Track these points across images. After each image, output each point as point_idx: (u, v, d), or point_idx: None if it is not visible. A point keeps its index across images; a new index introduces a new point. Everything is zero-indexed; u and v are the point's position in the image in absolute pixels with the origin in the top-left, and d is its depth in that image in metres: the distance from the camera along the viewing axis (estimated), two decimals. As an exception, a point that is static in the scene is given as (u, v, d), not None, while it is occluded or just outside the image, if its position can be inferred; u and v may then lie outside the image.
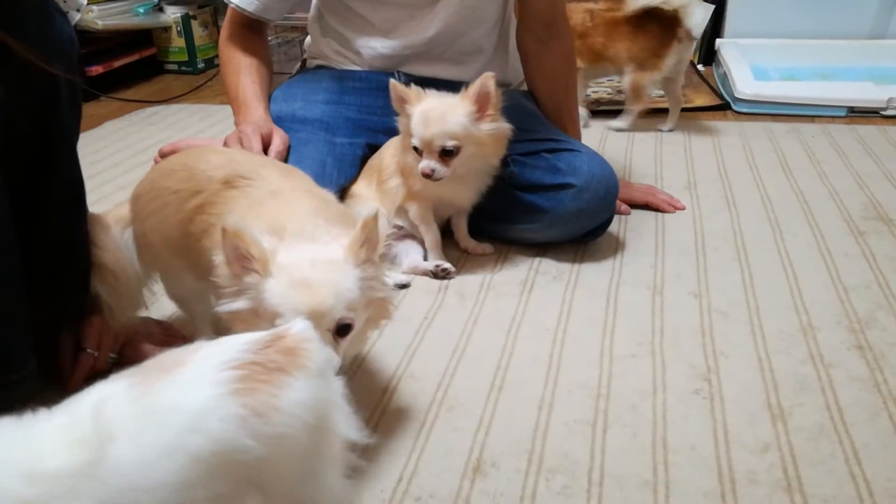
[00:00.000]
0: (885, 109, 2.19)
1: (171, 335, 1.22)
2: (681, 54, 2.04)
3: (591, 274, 1.40)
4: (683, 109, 2.36)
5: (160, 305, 1.36)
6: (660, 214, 1.64)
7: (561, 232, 1.44)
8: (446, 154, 1.28)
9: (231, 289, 0.85)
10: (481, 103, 1.27)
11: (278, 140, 1.40)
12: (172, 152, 1.87)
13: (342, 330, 0.85)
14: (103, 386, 0.62)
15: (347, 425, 0.70)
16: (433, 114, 1.27)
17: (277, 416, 0.60)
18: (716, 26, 2.86)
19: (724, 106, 2.38)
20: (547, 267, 1.43)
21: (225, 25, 1.59)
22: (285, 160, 1.39)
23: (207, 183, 1.00)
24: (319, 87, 1.57)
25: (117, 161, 2.13)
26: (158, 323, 1.25)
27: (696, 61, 2.88)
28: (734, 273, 1.38)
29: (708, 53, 2.90)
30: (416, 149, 1.29)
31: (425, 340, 1.22)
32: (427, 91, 1.31)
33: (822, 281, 1.34)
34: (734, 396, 1.05)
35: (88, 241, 1.08)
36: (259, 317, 0.84)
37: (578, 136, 1.60)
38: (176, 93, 2.83)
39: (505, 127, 1.32)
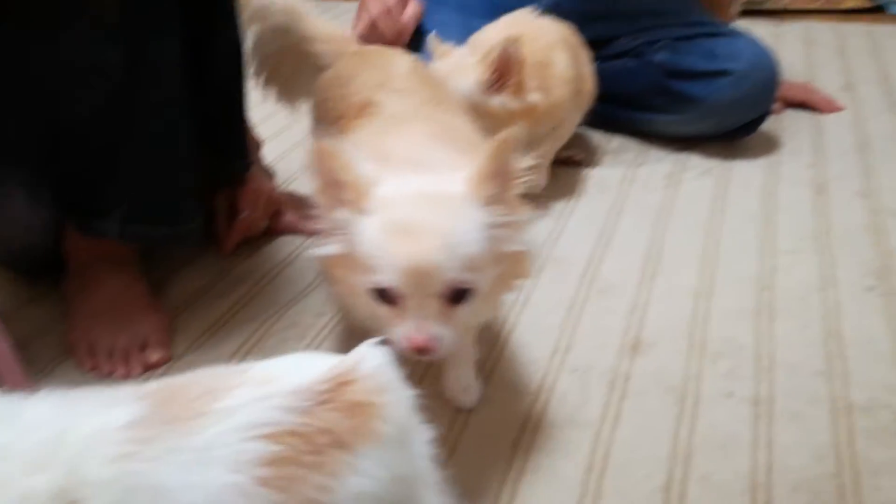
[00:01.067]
0: None
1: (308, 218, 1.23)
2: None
3: (745, 170, 1.32)
4: (832, 11, 2.17)
5: (302, 182, 1.37)
6: (816, 114, 1.52)
7: (712, 124, 1.36)
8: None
9: (326, 225, 0.67)
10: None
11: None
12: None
13: (458, 296, 0.64)
14: (91, 407, 0.42)
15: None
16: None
17: None
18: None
19: (877, 8, 2.17)
20: (695, 162, 1.36)
21: None
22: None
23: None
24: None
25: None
26: (303, 199, 1.27)
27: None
28: (904, 174, 1.28)
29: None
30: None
31: (567, 227, 1.18)
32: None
33: None
34: (913, 294, 0.99)
35: (247, 106, 1.09)
36: (355, 266, 0.65)
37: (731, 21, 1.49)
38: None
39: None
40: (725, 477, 0.75)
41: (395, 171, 0.67)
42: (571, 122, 1.28)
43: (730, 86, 1.29)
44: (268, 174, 1.18)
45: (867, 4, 2.20)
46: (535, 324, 0.97)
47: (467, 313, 0.66)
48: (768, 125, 1.43)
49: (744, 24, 1.52)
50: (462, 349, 0.82)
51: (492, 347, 0.93)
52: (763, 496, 0.72)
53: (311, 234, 1.19)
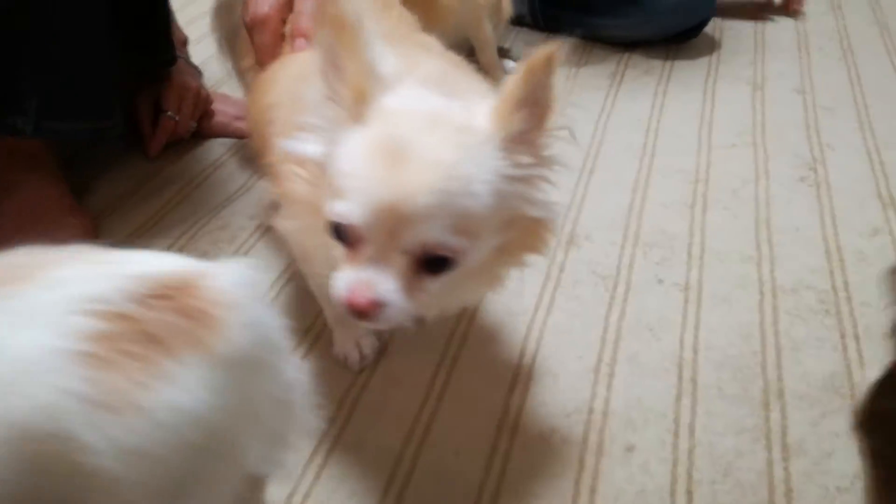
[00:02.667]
0: None
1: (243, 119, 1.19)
2: None
3: (686, 70, 1.31)
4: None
5: (233, 85, 1.31)
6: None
7: (654, 29, 1.34)
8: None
9: (312, 124, 0.52)
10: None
11: None
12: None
13: (433, 264, 0.49)
14: None
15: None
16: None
17: (137, 421, 0.34)
18: None
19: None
20: (637, 61, 1.34)
21: None
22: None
23: None
24: None
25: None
26: (235, 100, 1.22)
27: None
28: (840, 72, 1.28)
29: None
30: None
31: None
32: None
33: (938, 82, 1.24)
34: (842, 185, 1.00)
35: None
36: (320, 183, 0.52)
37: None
38: None
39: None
40: (653, 357, 0.76)
41: (416, 82, 0.51)
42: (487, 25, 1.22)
43: None
44: (195, 72, 1.12)
45: None
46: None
47: (440, 289, 0.50)
48: (710, 27, 1.41)
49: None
50: None
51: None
52: (688, 373, 0.74)
53: (244, 136, 1.16)
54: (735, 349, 0.77)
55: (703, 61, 1.34)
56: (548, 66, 0.46)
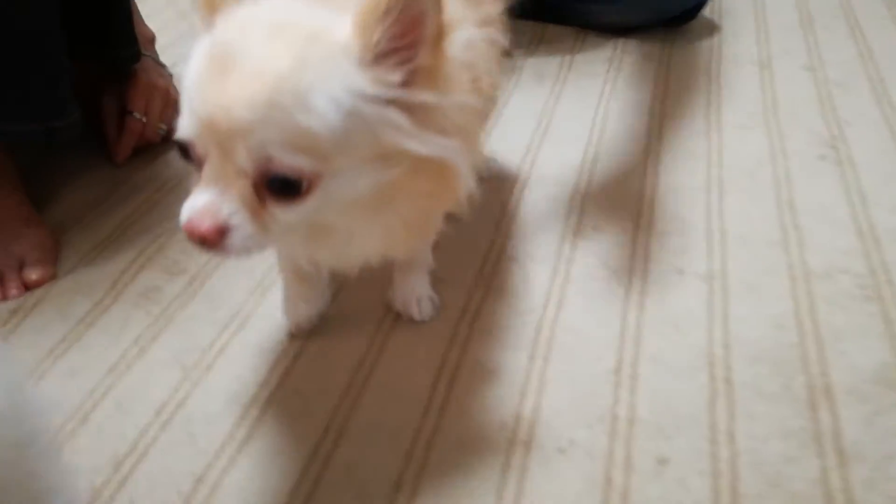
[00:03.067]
0: None
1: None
2: None
3: (686, 53, 1.24)
4: None
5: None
6: (757, -5, 1.44)
7: (651, 12, 1.26)
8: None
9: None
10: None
11: None
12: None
13: (278, 186, 0.43)
14: None
15: None
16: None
17: None
18: None
19: None
20: (634, 47, 1.27)
21: None
22: None
23: None
24: None
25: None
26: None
27: None
28: (849, 48, 1.21)
29: None
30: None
31: (503, 117, 1.09)
32: None
33: (953, 54, 1.17)
34: (866, 160, 0.93)
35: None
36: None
37: None
38: None
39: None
40: (679, 355, 0.68)
41: None
42: None
43: None
44: (164, 72, 1.04)
45: None
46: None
47: (296, 218, 0.45)
48: (708, 10, 1.34)
49: None
50: (417, 254, 0.68)
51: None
52: (721, 371, 0.66)
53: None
54: (770, 341, 0.69)
55: (704, 44, 1.27)
56: None
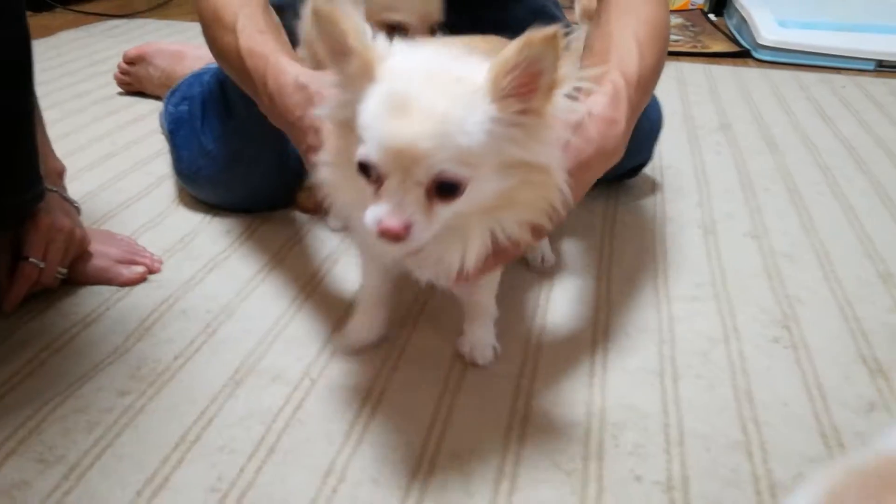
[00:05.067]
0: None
1: (135, 254, 1.00)
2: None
3: (631, 213, 1.22)
4: (701, 55, 2.19)
5: (123, 219, 1.13)
6: (697, 152, 1.46)
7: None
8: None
9: (332, 93, 0.64)
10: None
11: None
12: (139, 57, 1.63)
13: (445, 190, 0.58)
14: None
15: None
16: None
17: None
18: (728, -24, 2.68)
19: (743, 53, 2.21)
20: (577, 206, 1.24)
21: None
22: None
23: None
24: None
25: (73, 70, 1.87)
26: (120, 239, 1.03)
27: (705, 10, 2.71)
28: (791, 216, 1.21)
29: (718, 4, 2.73)
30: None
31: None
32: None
33: (890, 230, 1.18)
34: (820, 346, 0.88)
35: (35, 126, 0.85)
36: (351, 138, 0.61)
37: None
38: (139, 8, 2.54)
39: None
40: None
41: (408, 45, 0.62)
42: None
43: None
44: (70, 209, 0.94)
45: (733, 49, 2.24)
46: (402, 410, 0.79)
47: (454, 212, 0.60)
48: (650, 167, 1.34)
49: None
50: (484, 304, 0.83)
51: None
52: None
53: (126, 283, 0.96)
54: (740, 576, 0.60)
55: (647, 202, 1.25)
56: (545, 42, 0.54)
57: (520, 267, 1.03)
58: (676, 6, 2.71)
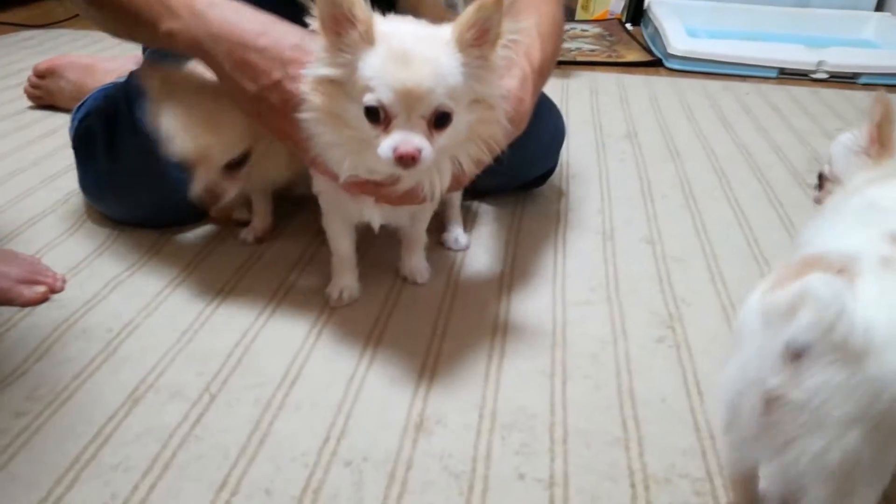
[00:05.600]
0: (814, 72, 2.16)
1: (37, 273, 1.00)
2: None
3: (535, 219, 1.26)
4: (615, 64, 2.27)
5: (28, 237, 1.13)
6: (602, 161, 1.52)
7: (502, 180, 1.28)
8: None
9: (323, 57, 0.77)
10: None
11: None
12: (49, 70, 1.61)
13: (440, 120, 0.75)
14: None
15: None
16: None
17: None
18: (645, -15, 2.78)
19: (655, 62, 2.30)
20: (484, 209, 1.29)
21: None
22: None
23: None
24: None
25: (-21, 83, 1.82)
26: (23, 259, 1.02)
27: (623, 20, 2.80)
28: (686, 221, 1.28)
29: (636, 14, 2.83)
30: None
31: (331, 321, 1.05)
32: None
33: (776, 230, 1.26)
34: (701, 346, 0.95)
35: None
36: (344, 91, 0.76)
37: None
38: (58, 17, 2.49)
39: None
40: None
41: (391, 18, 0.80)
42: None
43: (516, 144, 1.20)
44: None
45: (646, 58, 2.33)
46: (308, 406, 0.82)
47: (445, 140, 0.77)
48: (557, 173, 1.39)
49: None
50: (419, 235, 1.05)
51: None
52: None
53: (27, 303, 0.96)
54: (610, 564, 0.65)
55: (552, 209, 1.30)
56: (494, 7, 0.73)
57: (437, 247, 1.07)
58: (595, 16, 2.80)
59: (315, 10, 0.74)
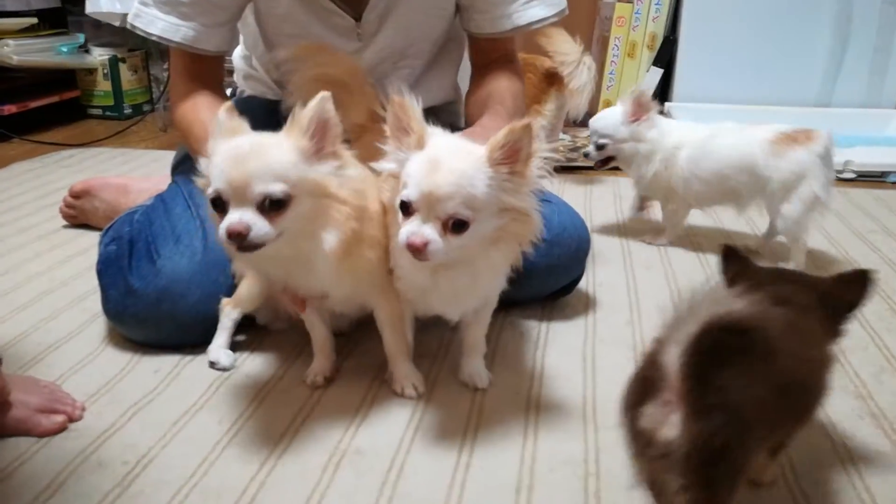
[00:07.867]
0: (842, 172, 2.15)
1: (56, 402, 0.98)
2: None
3: (563, 331, 1.24)
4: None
5: (51, 362, 1.12)
6: (629, 267, 1.50)
7: (528, 290, 1.26)
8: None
9: (389, 153, 0.91)
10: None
11: None
12: (84, 191, 1.66)
13: (456, 225, 0.84)
14: None
15: None
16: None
17: None
18: (664, 90, 2.84)
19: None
20: (512, 323, 1.26)
21: (172, 88, 1.29)
22: None
23: None
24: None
25: (19, 203, 1.89)
26: (43, 386, 1.02)
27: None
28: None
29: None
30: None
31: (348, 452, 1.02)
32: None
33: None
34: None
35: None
36: (397, 182, 0.89)
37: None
38: (98, 137, 2.60)
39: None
40: None
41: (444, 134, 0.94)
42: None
43: (541, 253, 1.15)
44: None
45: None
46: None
47: (462, 245, 0.86)
48: (584, 282, 1.37)
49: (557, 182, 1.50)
50: (477, 339, 1.08)
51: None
52: None
53: (45, 434, 0.95)
54: None
55: (580, 322, 1.27)
56: (524, 131, 0.84)
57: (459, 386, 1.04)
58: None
59: (387, 118, 0.90)
